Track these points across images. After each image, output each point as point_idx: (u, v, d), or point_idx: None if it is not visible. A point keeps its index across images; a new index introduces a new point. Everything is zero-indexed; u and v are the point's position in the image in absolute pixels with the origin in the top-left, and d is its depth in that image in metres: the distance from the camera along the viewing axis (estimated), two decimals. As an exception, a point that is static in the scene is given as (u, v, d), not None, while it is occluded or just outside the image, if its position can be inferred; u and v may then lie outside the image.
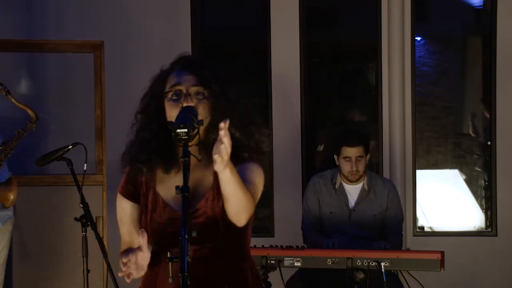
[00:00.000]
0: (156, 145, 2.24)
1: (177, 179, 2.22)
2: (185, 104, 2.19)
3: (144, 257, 2.11)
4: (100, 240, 3.73)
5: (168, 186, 2.27)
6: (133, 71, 5.24)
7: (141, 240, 2.09)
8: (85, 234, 3.78)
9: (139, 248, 2.10)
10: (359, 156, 4.27)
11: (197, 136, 2.11)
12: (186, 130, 2.02)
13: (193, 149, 2.15)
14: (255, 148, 2.29)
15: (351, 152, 4.27)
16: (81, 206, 3.74)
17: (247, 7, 5.76)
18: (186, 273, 1.93)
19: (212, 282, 2.22)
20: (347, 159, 4.29)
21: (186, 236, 1.94)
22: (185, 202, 1.98)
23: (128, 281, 2.07)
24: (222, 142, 1.91)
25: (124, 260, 2.08)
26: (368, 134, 4.60)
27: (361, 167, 4.30)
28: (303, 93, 5.39)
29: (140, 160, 2.26)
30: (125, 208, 2.36)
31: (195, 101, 2.22)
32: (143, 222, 2.30)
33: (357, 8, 5.75)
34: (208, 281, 2.21)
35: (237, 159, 2.18)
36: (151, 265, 2.26)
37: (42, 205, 4.66)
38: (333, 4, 5.94)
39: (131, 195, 2.35)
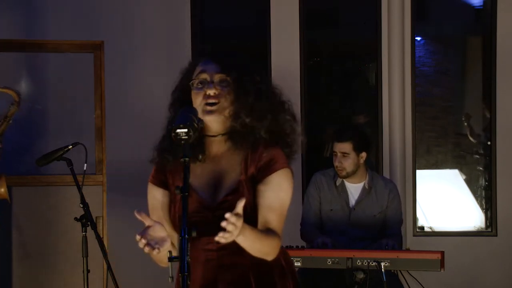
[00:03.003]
0: None
1: (203, 168, 2.27)
2: (208, 92, 2.24)
3: (155, 229, 2.07)
4: (100, 240, 3.73)
5: (196, 175, 2.28)
6: (133, 71, 5.24)
7: (143, 219, 2.06)
8: (85, 234, 3.78)
9: (147, 227, 2.07)
10: (344, 152, 4.24)
11: (223, 126, 2.24)
12: (186, 130, 2.05)
13: (219, 139, 2.27)
14: (271, 140, 2.29)
15: (338, 147, 4.26)
16: (81, 206, 3.74)
17: (247, 7, 5.76)
18: (186, 273, 1.94)
19: (237, 269, 2.25)
20: (335, 153, 4.29)
21: (186, 236, 1.95)
22: (185, 202, 1.99)
23: (155, 252, 2.03)
24: (228, 230, 1.95)
25: (138, 238, 2.03)
26: (362, 132, 4.47)
27: (347, 164, 4.25)
28: (303, 93, 5.39)
29: (168, 151, 2.29)
30: (157, 196, 2.35)
31: (218, 89, 2.25)
32: (171, 211, 2.31)
33: (357, 8, 5.75)
34: (234, 268, 2.23)
35: (266, 168, 2.27)
36: None
37: (42, 205, 4.66)
38: (333, 4, 5.94)
39: (162, 183, 2.35)
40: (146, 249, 2.02)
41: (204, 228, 2.11)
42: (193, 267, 2.18)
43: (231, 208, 2.17)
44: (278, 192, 2.29)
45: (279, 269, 2.33)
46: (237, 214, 1.98)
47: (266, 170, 2.28)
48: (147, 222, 2.07)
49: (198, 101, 2.25)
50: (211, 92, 2.24)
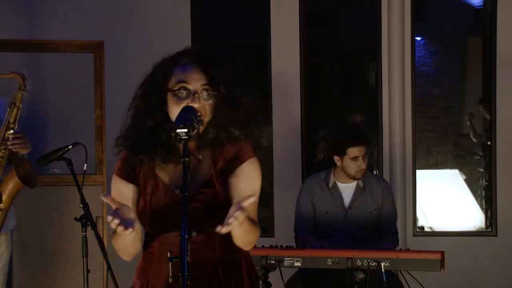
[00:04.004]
0: (159, 135, 2.24)
1: (176, 166, 2.25)
2: (191, 104, 2.19)
3: (124, 211, 2.06)
4: (100, 240, 3.73)
5: (167, 170, 2.29)
6: (133, 71, 5.20)
7: (110, 202, 2.08)
8: (85, 234, 3.78)
9: (116, 209, 2.07)
10: (365, 154, 4.30)
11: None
12: (186, 130, 2.05)
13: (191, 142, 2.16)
14: (254, 145, 2.32)
15: (359, 151, 4.27)
16: (81, 206, 3.74)
17: (247, 7, 5.76)
18: (186, 273, 1.94)
19: (207, 265, 2.24)
20: (355, 158, 4.28)
21: (186, 236, 1.95)
22: (184, 202, 1.99)
23: (128, 232, 2.01)
24: (231, 222, 1.96)
25: (110, 219, 2.00)
26: (365, 131, 4.61)
27: (366, 164, 4.32)
28: (303, 93, 5.39)
29: (143, 151, 2.26)
30: (122, 189, 2.32)
31: (201, 101, 2.22)
32: (140, 204, 2.29)
33: (357, 8, 5.75)
34: (204, 264, 2.22)
35: (235, 160, 2.26)
36: (146, 247, 2.31)
37: (42, 205, 4.66)
38: (333, 4, 5.94)
39: (129, 177, 2.32)
40: (120, 229, 2.00)
41: (175, 222, 2.06)
42: (160, 262, 2.21)
43: (204, 201, 2.20)
44: (250, 183, 2.27)
45: (246, 266, 2.34)
46: (241, 208, 1.98)
47: (235, 162, 2.27)
48: (114, 205, 2.08)
49: (176, 110, 2.19)
50: (195, 105, 2.20)
